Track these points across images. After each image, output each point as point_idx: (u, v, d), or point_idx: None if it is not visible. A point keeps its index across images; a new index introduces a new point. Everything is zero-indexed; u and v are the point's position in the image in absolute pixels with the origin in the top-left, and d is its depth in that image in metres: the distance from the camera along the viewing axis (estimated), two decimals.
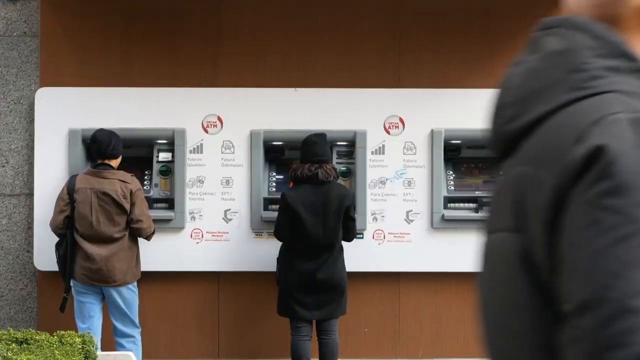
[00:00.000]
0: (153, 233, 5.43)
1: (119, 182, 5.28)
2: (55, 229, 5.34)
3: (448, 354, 6.15)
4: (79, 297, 5.34)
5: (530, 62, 1.20)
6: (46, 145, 5.95)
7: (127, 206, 5.26)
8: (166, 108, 5.97)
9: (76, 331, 4.26)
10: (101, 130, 5.44)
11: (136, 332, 5.44)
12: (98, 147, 5.35)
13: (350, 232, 5.40)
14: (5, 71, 6.10)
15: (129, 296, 5.36)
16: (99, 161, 5.38)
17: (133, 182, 5.35)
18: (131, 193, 5.29)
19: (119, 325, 5.38)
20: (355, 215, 5.54)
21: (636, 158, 1.01)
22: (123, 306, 5.35)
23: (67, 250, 5.32)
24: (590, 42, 1.15)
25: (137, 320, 5.43)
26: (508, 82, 1.24)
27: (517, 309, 1.12)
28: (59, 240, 5.39)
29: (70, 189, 5.30)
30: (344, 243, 5.41)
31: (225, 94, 6.02)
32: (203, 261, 6.01)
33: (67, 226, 5.31)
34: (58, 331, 4.02)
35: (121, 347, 5.37)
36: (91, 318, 5.34)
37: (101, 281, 5.26)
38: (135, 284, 5.41)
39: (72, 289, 5.36)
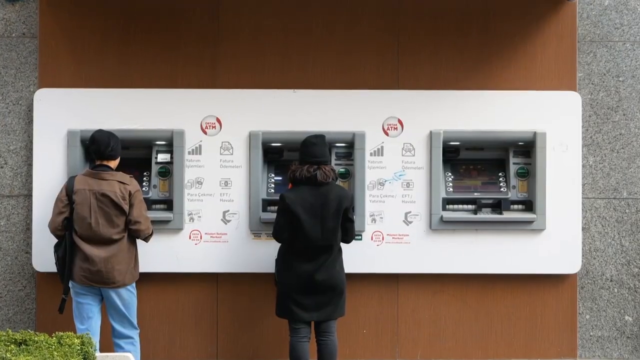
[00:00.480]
0: (151, 235, 5.43)
1: (118, 184, 5.27)
2: (54, 230, 5.33)
3: (446, 355, 6.15)
4: (78, 298, 5.33)
5: None
6: (45, 146, 5.94)
7: (126, 207, 5.26)
8: (165, 109, 5.97)
9: (75, 332, 4.25)
10: (100, 131, 5.44)
11: (134, 334, 5.43)
12: (97, 148, 5.35)
13: (349, 234, 5.40)
14: (4, 72, 6.10)
15: (127, 297, 5.36)
16: (98, 162, 5.38)
17: (132, 184, 5.34)
18: (130, 194, 5.28)
19: (118, 327, 5.38)
20: (354, 216, 5.54)
21: None
22: (122, 307, 5.34)
23: (66, 251, 5.31)
24: None
25: (135, 322, 5.42)
26: None
27: None
28: (57, 242, 5.38)
29: (69, 191, 5.29)
30: (342, 244, 5.41)
31: (224, 95, 6.02)
32: (201, 262, 6.01)
33: (65, 228, 5.30)
34: (57, 332, 4.00)
35: (120, 348, 5.37)
36: (90, 319, 5.34)
37: (100, 282, 5.25)
38: (134, 285, 5.41)
39: (71, 290, 5.36)
